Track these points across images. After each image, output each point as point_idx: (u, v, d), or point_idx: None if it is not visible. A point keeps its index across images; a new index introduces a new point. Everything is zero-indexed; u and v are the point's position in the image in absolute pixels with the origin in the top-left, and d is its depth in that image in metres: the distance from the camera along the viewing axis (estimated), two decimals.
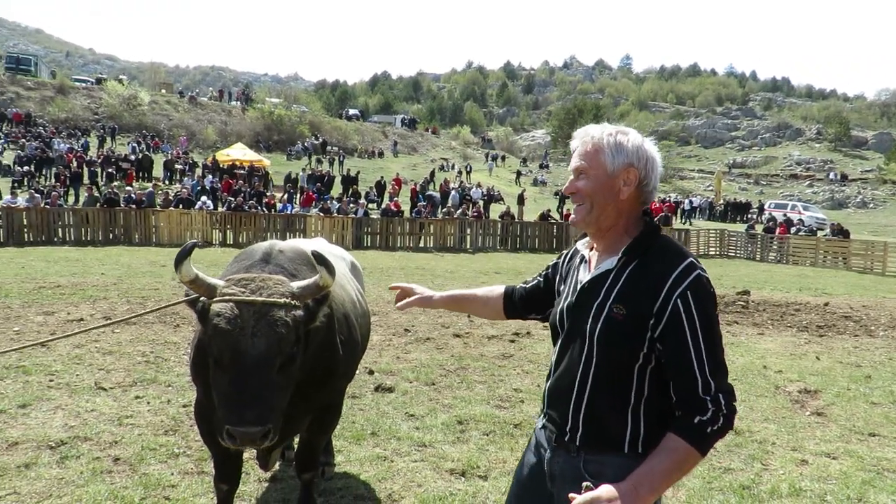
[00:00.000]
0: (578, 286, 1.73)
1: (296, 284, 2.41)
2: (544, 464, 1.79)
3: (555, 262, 2.01)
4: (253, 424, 2.13)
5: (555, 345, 1.82)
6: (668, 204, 33.43)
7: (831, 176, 55.98)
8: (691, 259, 1.61)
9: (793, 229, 27.70)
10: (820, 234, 28.15)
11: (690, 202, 37.98)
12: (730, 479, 4.13)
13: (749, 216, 35.53)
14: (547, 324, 1.97)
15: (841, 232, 25.13)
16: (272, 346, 2.21)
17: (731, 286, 14.27)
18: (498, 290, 2.18)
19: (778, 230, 26.64)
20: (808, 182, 55.92)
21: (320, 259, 2.39)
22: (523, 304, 2.10)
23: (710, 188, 49.57)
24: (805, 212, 34.25)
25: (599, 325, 1.62)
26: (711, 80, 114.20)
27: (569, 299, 1.76)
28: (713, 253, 24.73)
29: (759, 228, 27.64)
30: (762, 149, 71.23)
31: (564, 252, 2.00)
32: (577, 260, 1.83)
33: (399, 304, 2.29)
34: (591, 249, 1.80)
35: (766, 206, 37.50)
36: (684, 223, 32.83)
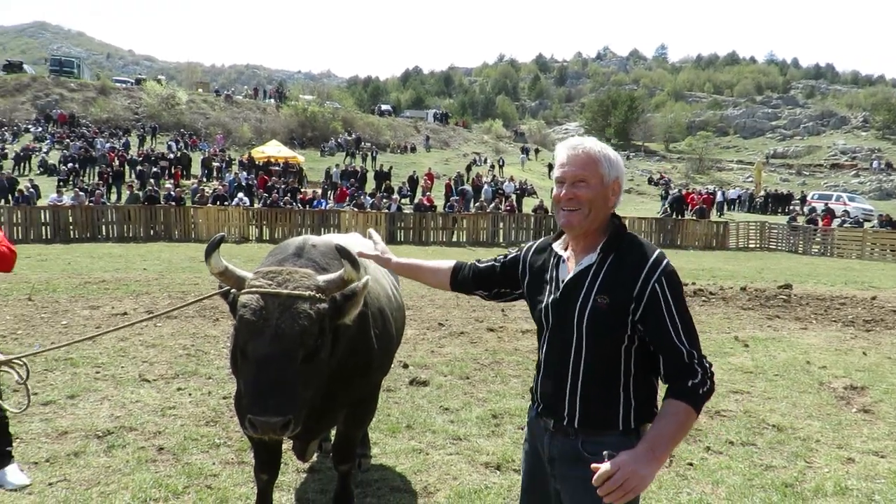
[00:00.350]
0: (562, 283, 1.92)
1: (321, 278, 2.44)
2: (543, 450, 1.97)
3: (514, 255, 2.21)
4: (274, 414, 2.17)
5: (541, 338, 2.01)
6: (704, 196, 32.58)
7: (874, 165, 53.92)
8: (659, 251, 1.86)
9: (836, 221, 26.82)
10: (867, 225, 27.17)
11: (723, 193, 36.55)
12: (772, 477, 4.04)
13: (791, 208, 34.40)
14: (499, 302, 2.32)
15: (890, 223, 24.23)
16: (294, 337, 2.25)
17: (773, 280, 13.91)
18: (448, 264, 2.40)
19: (822, 222, 25.81)
20: (853, 172, 54.03)
21: (344, 253, 2.42)
22: (473, 279, 2.29)
23: (750, 179, 48.29)
24: (851, 202, 33.00)
25: (587, 314, 1.83)
26: (751, 68, 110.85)
27: (552, 295, 1.94)
28: (753, 246, 24.00)
29: (801, 220, 26.81)
30: (805, 138, 69.06)
31: (524, 247, 2.20)
32: (552, 259, 2.01)
33: (358, 251, 2.46)
34: (566, 249, 1.99)
35: (808, 198, 36.30)
36: (720, 216, 31.81)
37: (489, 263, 2.29)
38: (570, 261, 1.95)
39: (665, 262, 1.82)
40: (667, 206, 29.59)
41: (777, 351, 7.38)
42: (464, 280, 2.32)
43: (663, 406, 1.78)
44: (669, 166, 55.20)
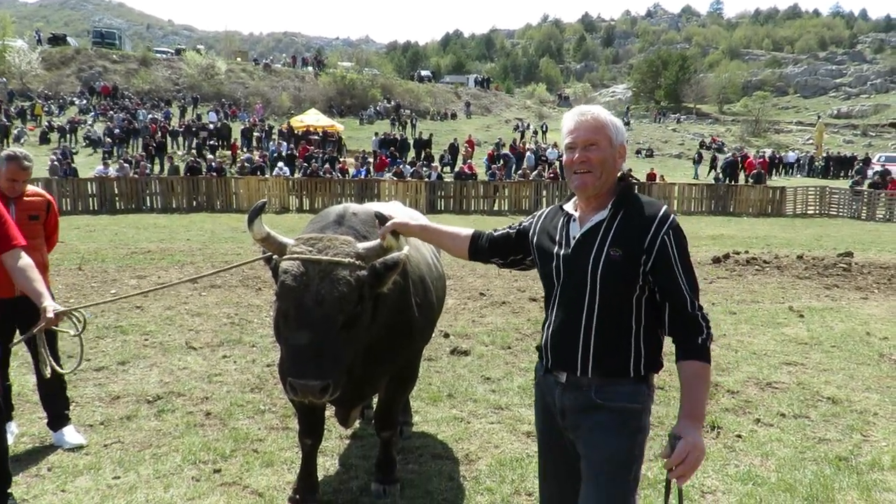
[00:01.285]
0: (573, 240, 2.03)
1: (361, 245, 2.45)
2: (554, 404, 2.07)
3: (530, 221, 2.29)
4: (313, 378, 2.23)
5: (550, 295, 2.10)
6: (760, 160, 31.17)
7: None
8: (665, 207, 2.00)
9: None
10: None
11: (773, 156, 34.61)
12: (825, 450, 3.90)
13: (854, 171, 32.39)
14: (515, 269, 2.40)
15: None
16: (334, 303, 2.28)
17: (832, 247, 13.32)
18: (467, 231, 2.43)
19: (889, 186, 24.39)
20: None
21: (383, 220, 2.43)
22: (490, 247, 2.35)
23: (810, 141, 45.99)
24: None
25: (601, 266, 1.94)
26: (814, 21, 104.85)
27: (563, 251, 2.04)
28: (812, 212, 22.83)
29: (865, 184, 25.37)
30: (871, 96, 65.16)
31: (538, 213, 2.29)
32: (563, 219, 2.11)
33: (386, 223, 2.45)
34: (576, 210, 2.10)
35: (874, 160, 34.06)
36: (771, 178, 30.06)
37: (504, 231, 2.36)
38: (579, 219, 2.06)
39: (672, 217, 1.97)
40: (719, 171, 28.47)
41: (834, 321, 7.08)
42: (481, 248, 2.37)
43: (683, 369, 1.91)
44: (723, 129, 52.94)
